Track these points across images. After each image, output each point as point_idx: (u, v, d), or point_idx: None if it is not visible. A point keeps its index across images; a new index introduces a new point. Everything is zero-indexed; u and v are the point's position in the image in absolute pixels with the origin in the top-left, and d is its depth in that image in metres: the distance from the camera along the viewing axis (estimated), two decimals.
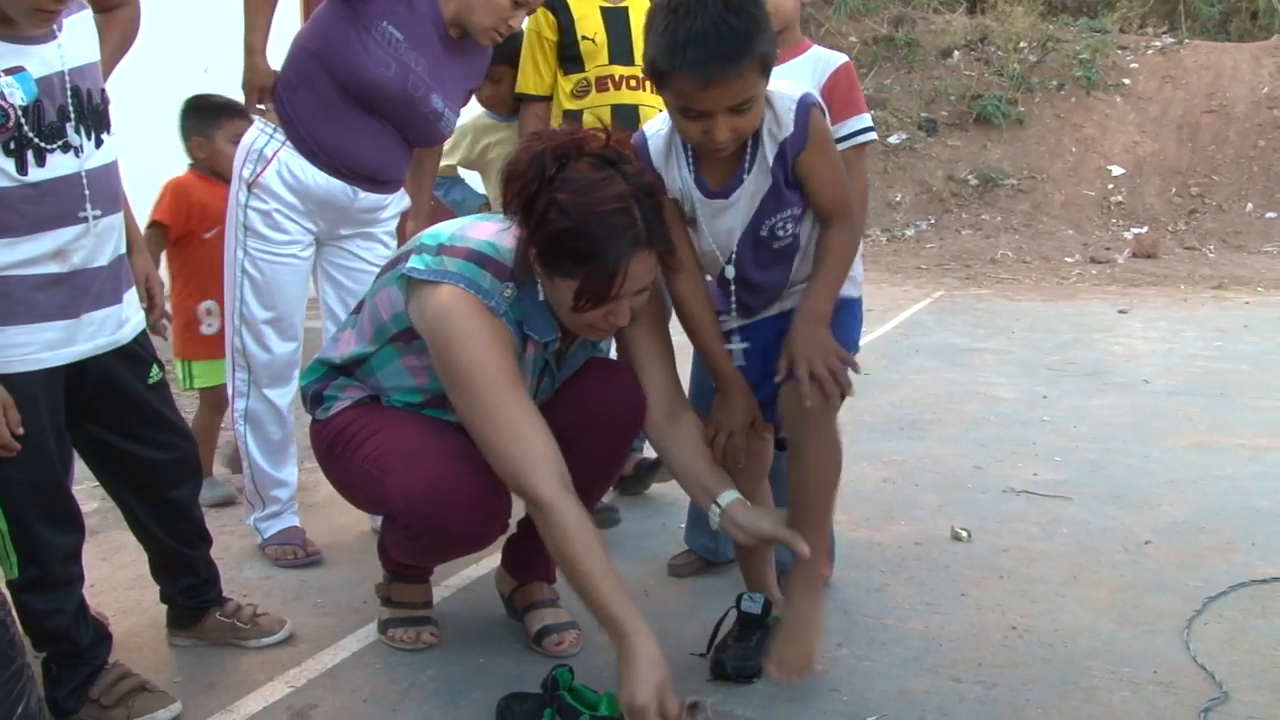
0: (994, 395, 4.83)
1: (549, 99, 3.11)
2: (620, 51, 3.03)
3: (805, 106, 1.98)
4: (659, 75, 1.91)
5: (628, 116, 2.98)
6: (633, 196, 1.94)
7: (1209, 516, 3.16)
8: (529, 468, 1.95)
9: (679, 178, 2.07)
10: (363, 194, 2.76)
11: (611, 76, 3.03)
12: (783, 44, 2.48)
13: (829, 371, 2.00)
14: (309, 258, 2.82)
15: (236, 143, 2.82)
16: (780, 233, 2.06)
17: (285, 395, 2.85)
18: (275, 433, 2.85)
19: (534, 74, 3.08)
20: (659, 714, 1.83)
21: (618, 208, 1.92)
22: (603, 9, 3.04)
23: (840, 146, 2.45)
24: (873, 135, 2.53)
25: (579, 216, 1.90)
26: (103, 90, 2.00)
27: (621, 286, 1.94)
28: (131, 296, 2.11)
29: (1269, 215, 11.27)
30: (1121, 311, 7.65)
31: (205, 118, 3.32)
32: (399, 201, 2.93)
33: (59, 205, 1.89)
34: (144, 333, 2.14)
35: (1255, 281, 9.12)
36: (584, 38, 3.02)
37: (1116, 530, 3.03)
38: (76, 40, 1.95)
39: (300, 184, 2.68)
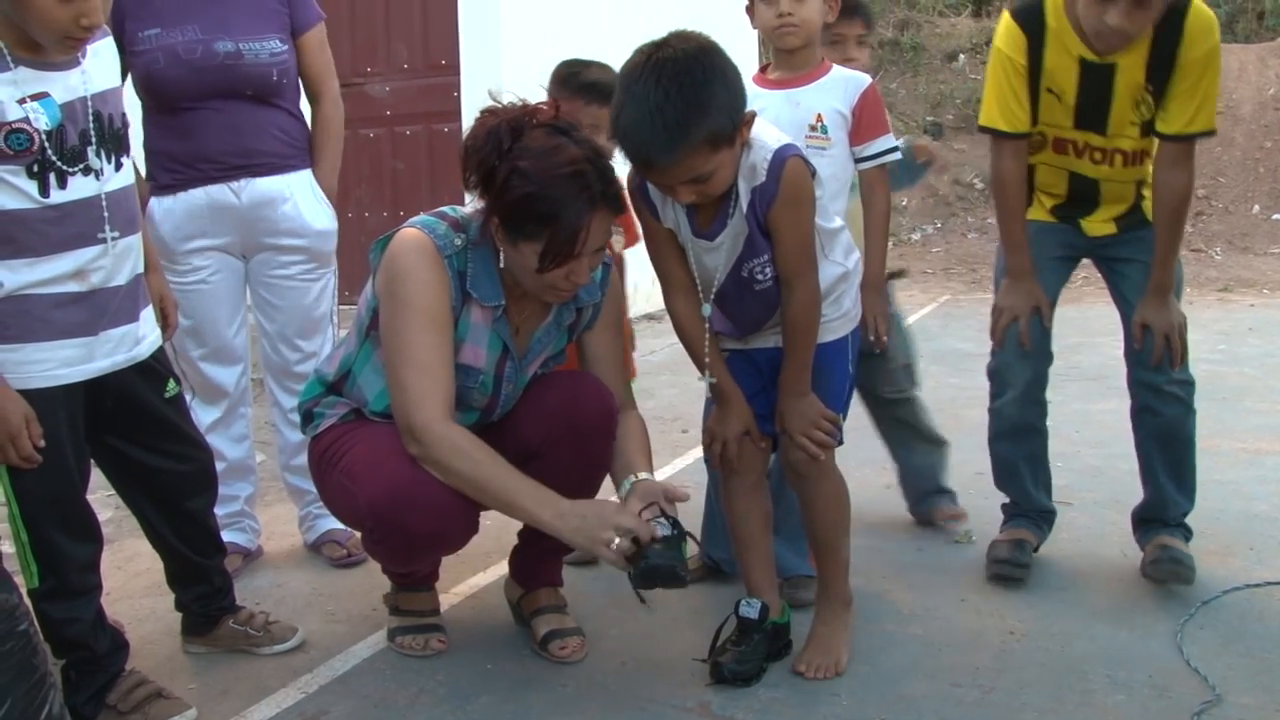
0: None
1: (1026, 136, 2.58)
2: (1091, 118, 2.54)
3: (780, 159, 2.00)
4: None
5: (1085, 188, 2.66)
6: (585, 159, 2.07)
7: (1208, 521, 3.18)
8: (421, 400, 2.10)
9: (672, 212, 2.12)
10: (245, 186, 2.70)
11: (1074, 142, 2.59)
12: (805, 62, 2.54)
13: (814, 437, 2.18)
14: (223, 278, 2.78)
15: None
16: (759, 276, 2.12)
17: (228, 429, 2.86)
18: (226, 454, 2.83)
19: (996, 105, 2.57)
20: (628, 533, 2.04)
21: (574, 170, 2.05)
22: (1084, 62, 2.48)
23: (867, 165, 2.54)
24: (898, 155, 2.59)
25: (540, 180, 2.04)
26: (123, 115, 2.06)
27: (584, 244, 2.07)
28: (148, 314, 2.17)
29: (1275, 217, 11.25)
30: None
31: (563, 87, 2.69)
32: (312, 213, 2.79)
33: (79, 227, 1.95)
34: (161, 349, 2.19)
35: (1261, 284, 9.11)
36: (1048, 90, 2.54)
37: (1116, 535, 3.06)
38: (99, 67, 2.02)
39: (186, 211, 2.68)
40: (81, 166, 1.95)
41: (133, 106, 2.51)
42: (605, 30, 5.55)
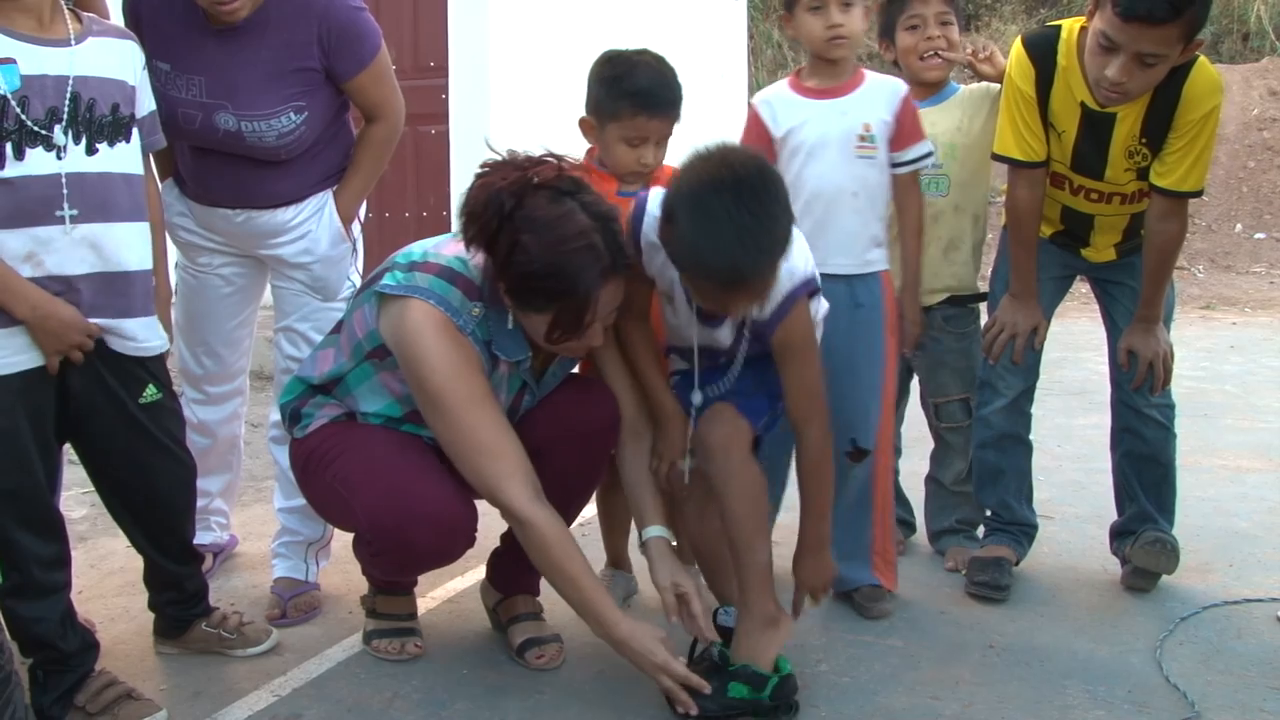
0: None
1: (1043, 165, 2.57)
2: (1088, 163, 2.53)
3: (792, 300, 2.02)
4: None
5: (1078, 221, 2.68)
6: (594, 229, 1.97)
7: (1189, 537, 3.17)
8: (503, 484, 2.05)
9: (670, 278, 2.10)
10: (241, 215, 2.49)
11: (1069, 180, 2.60)
12: (845, 70, 2.53)
13: (817, 597, 2.26)
14: (232, 276, 2.62)
15: (633, 145, 2.35)
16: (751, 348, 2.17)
17: (209, 409, 2.75)
18: (199, 442, 2.69)
19: (1011, 134, 2.56)
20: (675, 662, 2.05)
21: (583, 244, 1.96)
22: (1085, 108, 2.47)
23: (904, 170, 2.53)
24: (932, 160, 2.59)
25: (545, 257, 1.95)
26: (115, 105, 2.01)
27: (594, 316, 2.01)
28: (147, 322, 2.10)
29: (1258, 236, 11.32)
30: None
31: (609, 97, 2.38)
32: (316, 240, 2.53)
33: (32, 203, 1.91)
34: (155, 357, 2.13)
35: (1243, 302, 9.16)
36: (1051, 126, 2.55)
37: (1096, 550, 3.05)
38: (96, 54, 2.00)
39: (186, 208, 2.55)
40: (43, 141, 1.91)
41: None
42: (594, 34, 5.55)
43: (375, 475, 2.14)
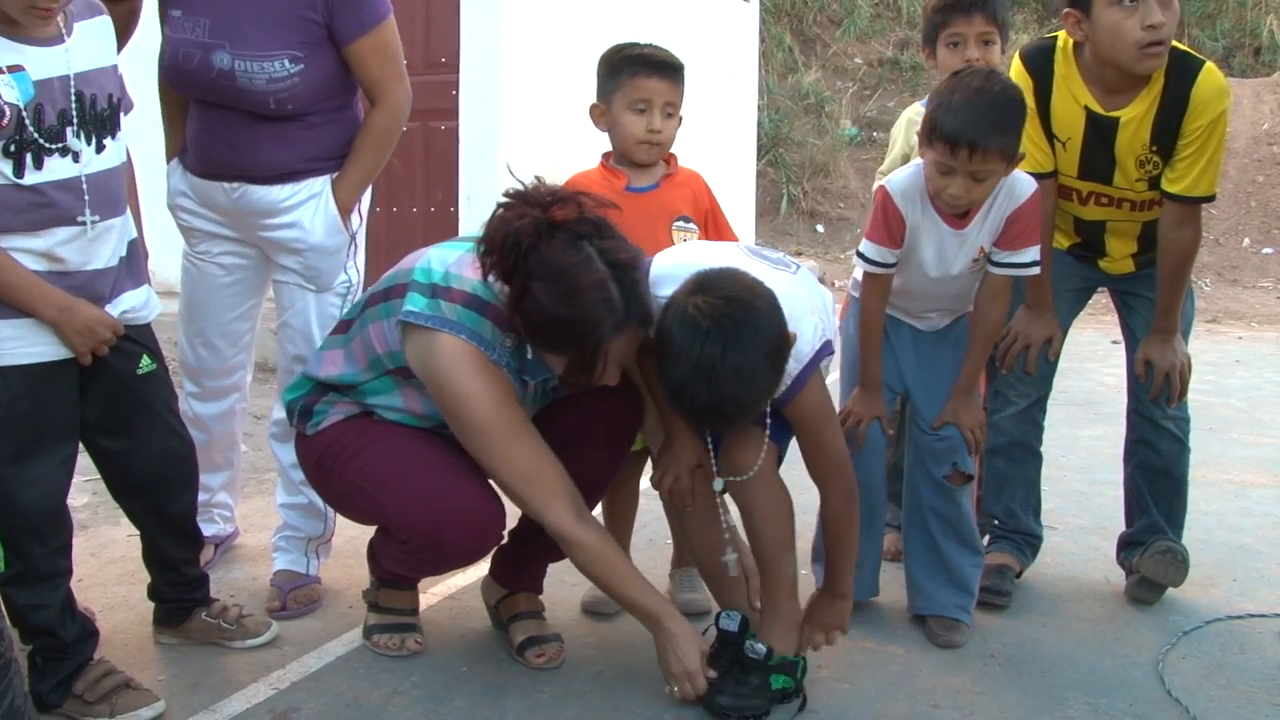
0: None
1: (1050, 176, 2.54)
2: (1095, 169, 2.52)
3: (803, 379, 2.03)
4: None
5: (1089, 231, 2.67)
6: (611, 278, 1.92)
7: (1192, 551, 3.15)
8: (548, 507, 2.08)
9: None
10: (237, 190, 2.49)
11: (1077, 191, 2.58)
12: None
13: (831, 638, 2.28)
14: (232, 266, 2.62)
15: (638, 111, 2.40)
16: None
17: (205, 404, 2.74)
18: (195, 437, 2.59)
19: None
20: (703, 675, 2.08)
21: (597, 298, 1.91)
22: (1089, 112, 2.47)
23: (1002, 272, 2.40)
24: (1036, 270, 2.44)
25: (556, 308, 1.91)
26: (110, 95, 2.02)
27: (604, 366, 1.99)
28: (140, 292, 2.11)
29: (1265, 251, 11.31)
30: (1115, 342, 7.62)
31: (609, 74, 2.47)
32: (312, 227, 2.51)
33: (55, 210, 1.92)
34: (143, 327, 2.13)
35: (1249, 316, 9.15)
36: (1054, 137, 2.53)
37: (1100, 561, 3.04)
38: (86, 45, 1.98)
39: (188, 186, 2.57)
40: (60, 147, 1.91)
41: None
42: (605, 33, 5.54)
43: (405, 475, 2.14)
